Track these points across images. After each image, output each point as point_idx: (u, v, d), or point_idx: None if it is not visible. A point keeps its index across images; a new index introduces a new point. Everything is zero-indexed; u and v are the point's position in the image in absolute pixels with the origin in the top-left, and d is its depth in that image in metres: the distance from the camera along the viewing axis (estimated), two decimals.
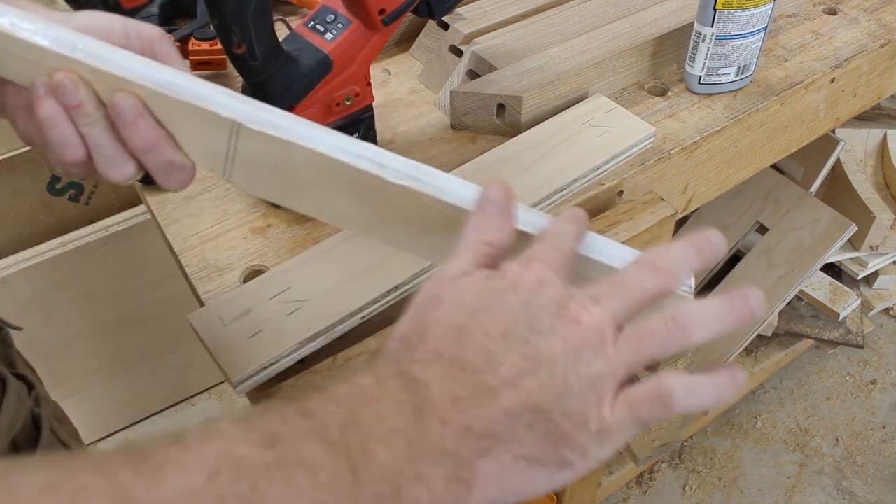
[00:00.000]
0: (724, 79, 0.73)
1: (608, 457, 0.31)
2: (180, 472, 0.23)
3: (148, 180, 0.67)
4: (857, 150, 1.44)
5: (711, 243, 0.36)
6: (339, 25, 0.60)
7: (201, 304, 0.57)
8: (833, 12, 0.86)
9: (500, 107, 0.69)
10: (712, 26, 0.69)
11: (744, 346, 1.25)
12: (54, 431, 0.61)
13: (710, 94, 0.75)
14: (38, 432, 0.57)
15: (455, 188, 0.39)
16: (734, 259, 1.30)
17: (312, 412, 0.26)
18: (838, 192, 1.40)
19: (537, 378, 0.30)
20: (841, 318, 1.35)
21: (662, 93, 0.76)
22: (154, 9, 0.79)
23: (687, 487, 1.38)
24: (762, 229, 1.29)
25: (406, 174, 0.38)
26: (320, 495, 0.24)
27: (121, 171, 0.40)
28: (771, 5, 0.69)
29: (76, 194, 1.33)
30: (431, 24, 0.81)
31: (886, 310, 1.63)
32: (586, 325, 0.31)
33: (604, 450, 0.31)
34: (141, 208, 1.28)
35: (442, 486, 0.27)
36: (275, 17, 0.57)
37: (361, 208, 0.39)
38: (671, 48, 0.77)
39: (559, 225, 0.36)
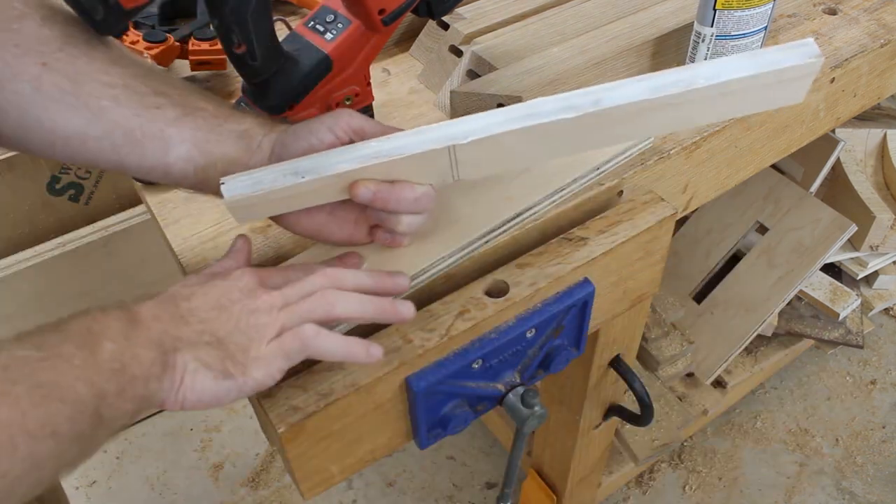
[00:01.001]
0: None
1: (263, 379, 0.46)
2: None
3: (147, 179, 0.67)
4: (857, 150, 1.44)
5: (392, 279, 0.52)
6: (339, 25, 0.60)
7: None
8: (833, 12, 0.86)
9: (500, 107, 0.68)
10: (712, 26, 0.69)
11: (744, 346, 1.25)
12: None
13: None
14: None
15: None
16: (734, 259, 1.30)
17: (62, 330, 0.40)
18: (838, 192, 1.40)
19: (219, 320, 0.46)
20: (841, 318, 1.35)
21: None
22: (154, 9, 0.79)
23: (687, 487, 1.38)
24: (762, 229, 1.29)
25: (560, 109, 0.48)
26: (74, 371, 0.38)
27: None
28: (771, 5, 0.69)
29: (76, 194, 1.33)
30: (431, 24, 0.81)
31: (886, 310, 1.63)
32: (262, 301, 0.47)
33: (259, 371, 0.45)
34: (141, 208, 1.28)
35: (149, 362, 0.42)
36: (275, 17, 0.57)
37: (542, 146, 0.51)
38: (671, 48, 0.77)
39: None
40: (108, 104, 0.47)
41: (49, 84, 0.45)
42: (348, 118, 0.51)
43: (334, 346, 0.47)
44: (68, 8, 0.47)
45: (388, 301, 0.49)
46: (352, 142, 0.51)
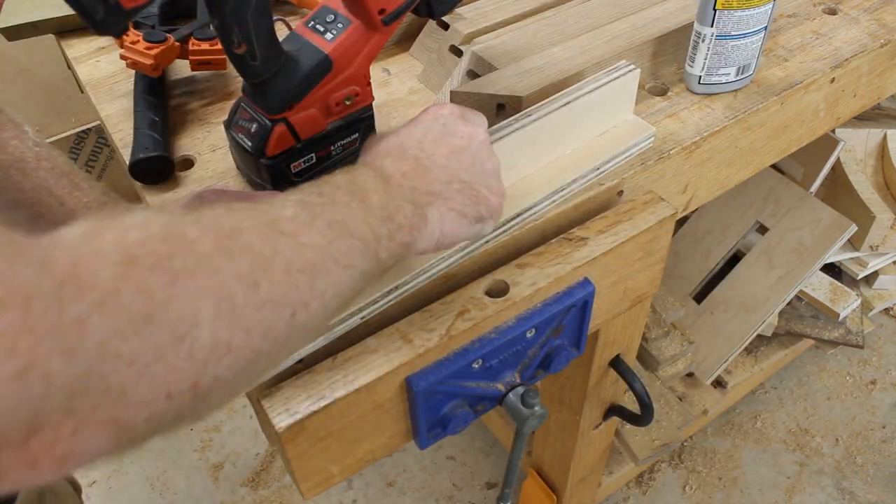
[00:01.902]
0: (723, 79, 0.73)
1: (499, 216, 0.51)
2: (280, 205, 0.38)
3: (146, 179, 0.67)
4: (857, 150, 1.44)
5: None
6: (339, 25, 0.60)
7: None
8: (833, 12, 0.86)
9: (500, 107, 0.69)
10: (712, 26, 0.69)
11: (744, 346, 1.25)
12: None
13: (710, 94, 0.75)
14: None
15: None
16: (734, 259, 1.30)
17: (328, 183, 0.42)
18: (838, 192, 1.40)
19: (460, 163, 0.49)
20: (841, 318, 1.35)
21: (662, 93, 0.76)
22: (154, 9, 0.79)
23: (687, 487, 1.38)
24: (762, 229, 1.29)
25: None
26: (354, 214, 0.40)
27: None
28: (771, 5, 0.69)
29: None
30: (431, 24, 0.81)
31: (886, 310, 1.63)
32: (483, 129, 0.51)
33: (500, 214, 0.51)
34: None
35: (410, 214, 0.44)
36: (275, 17, 0.57)
37: None
38: (671, 48, 0.77)
39: None
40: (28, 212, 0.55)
41: None
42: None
43: None
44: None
45: None
46: None
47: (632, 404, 0.88)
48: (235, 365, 0.32)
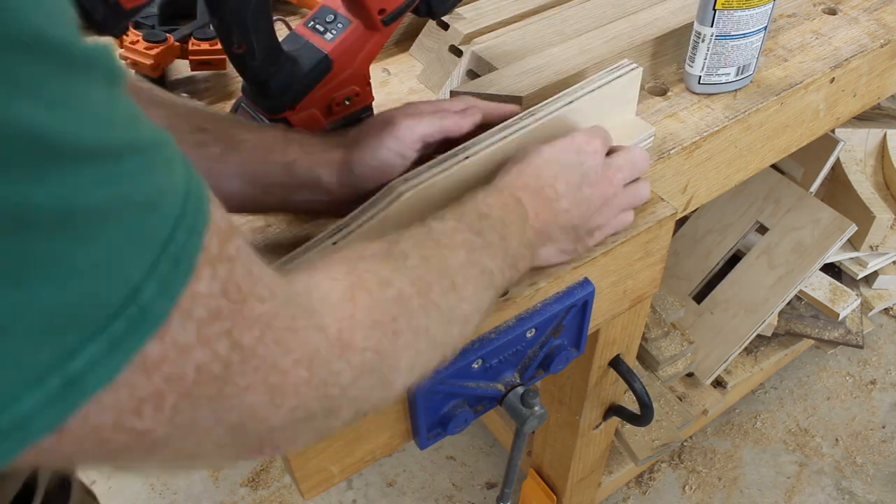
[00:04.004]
0: (723, 79, 0.73)
1: (591, 248, 0.58)
2: (453, 250, 0.44)
3: None
4: (857, 150, 1.44)
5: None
6: (339, 25, 0.60)
7: None
8: (833, 12, 0.86)
9: None
10: (712, 26, 0.69)
11: (744, 346, 1.25)
12: None
13: (710, 94, 0.75)
14: None
15: None
16: (734, 259, 1.30)
17: (487, 217, 0.47)
18: (838, 192, 1.40)
19: (579, 210, 0.53)
20: (841, 318, 1.35)
21: (662, 93, 0.76)
22: (154, 9, 0.79)
23: (687, 487, 1.38)
24: (762, 229, 1.29)
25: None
26: (497, 261, 0.46)
27: None
28: (771, 5, 0.69)
29: None
30: (431, 24, 0.81)
31: (886, 310, 1.63)
32: (616, 183, 0.55)
33: (593, 242, 0.58)
34: None
35: (528, 258, 0.51)
36: (275, 17, 0.57)
37: None
38: (671, 48, 0.77)
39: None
40: None
41: None
42: (409, 132, 0.54)
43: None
44: None
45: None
46: (420, 156, 0.56)
47: (632, 404, 0.88)
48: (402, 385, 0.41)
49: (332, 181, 0.53)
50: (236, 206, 0.53)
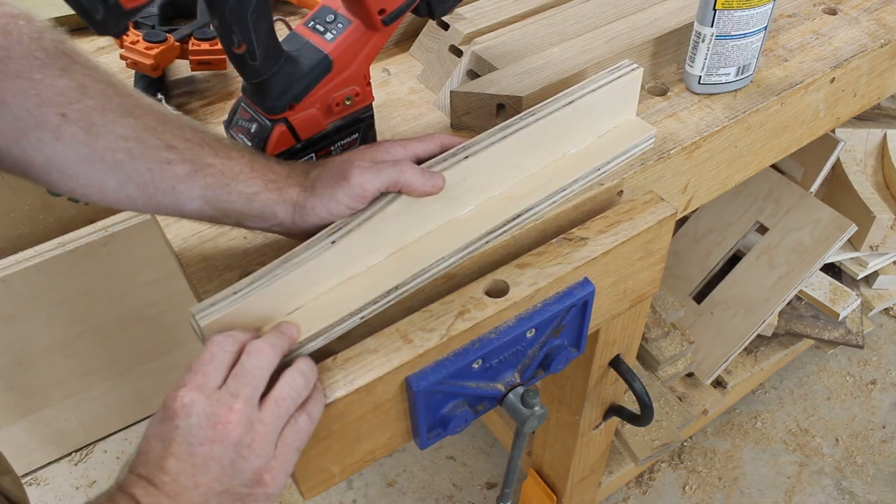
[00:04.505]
0: (723, 79, 0.73)
1: (285, 482, 0.48)
2: None
3: None
4: (857, 150, 1.44)
5: (285, 333, 0.51)
6: (339, 25, 0.60)
7: None
8: (833, 12, 0.86)
9: (500, 107, 0.69)
10: (712, 26, 0.69)
11: (744, 346, 1.25)
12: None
13: (710, 94, 0.75)
14: None
15: None
16: (734, 259, 1.30)
17: None
18: (838, 192, 1.40)
19: (211, 475, 0.44)
20: (841, 318, 1.35)
21: (662, 93, 0.76)
22: (154, 9, 0.79)
23: (687, 487, 1.38)
24: (762, 229, 1.29)
25: None
26: None
27: None
28: (771, 5, 0.69)
29: None
30: (431, 24, 0.81)
31: (886, 310, 1.63)
32: (235, 421, 0.44)
33: (279, 483, 0.47)
34: None
35: None
36: (275, 17, 0.57)
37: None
38: (671, 48, 0.77)
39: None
40: (123, 158, 0.49)
41: (68, 135, 0.47)
42: (361, 190, 0.53)
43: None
44: (86, 56, 0.49)
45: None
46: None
47: (632, 404, 0.88)
48: None
49: (286, 219, 0.54)
50: (194, 219, 0.54)
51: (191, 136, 0.52)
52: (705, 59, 0.72)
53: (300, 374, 0.48)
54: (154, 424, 0.46)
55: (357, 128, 0.65)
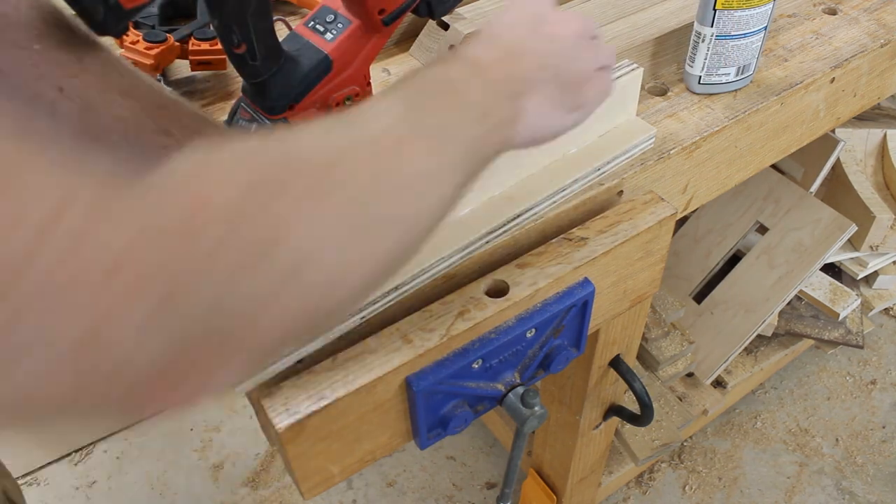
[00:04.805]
0: (724, 79, 0.73)
1: (595, 109, 0.50)
2: (377, 117, 0.37)
3: None
4: (857, 150, 1.44)
5: None
6: (339, 25, 0.60)
7: None
8: (833, 12, 0.86)
9: None
10: (712, 26, 0.69)
11: (744, 346, 1.25)
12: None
13: (710, 94, 0.75)
14: None
15: None
16: (734, 259, 1.30)
17: (428, 79, 0.42)
18: (838, 192, 1.40)
19: (553, 52, 0.45)
20: (841, 318, 1.35)
21: (662, 93, 0.76)
22: (154, 9, 0.79)
23: (687, 487, 1.38)
24: (762, 229, 1.29)
25: None
26: (454, 116, 0.40)
27: None
28: (771, 5, 0.69)
29: None
30: (431, 24, 0.81)
31: (886, 310, 1.63)
32: (578, 28, 0.47)
33: (593, 102, 0.49)
34: None
35: (507, 107, 0.43)
36: (275, 17, 0.57)
37: None
38: (671, 48, 0.77)
39: None
40: (118, 140, 0.48)
41: (64, 110, 0.46)
42: None
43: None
44: (85, 30, 0.48)
45: None
46: None
47: (632, 404, 0.88)
48: (354, 286, 0.33)
49: None
50: None
51: (188, 122, 0.51)
52: (705, 59, 0.72)
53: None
54: (494, 16, 0.47)
55: None
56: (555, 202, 0.63)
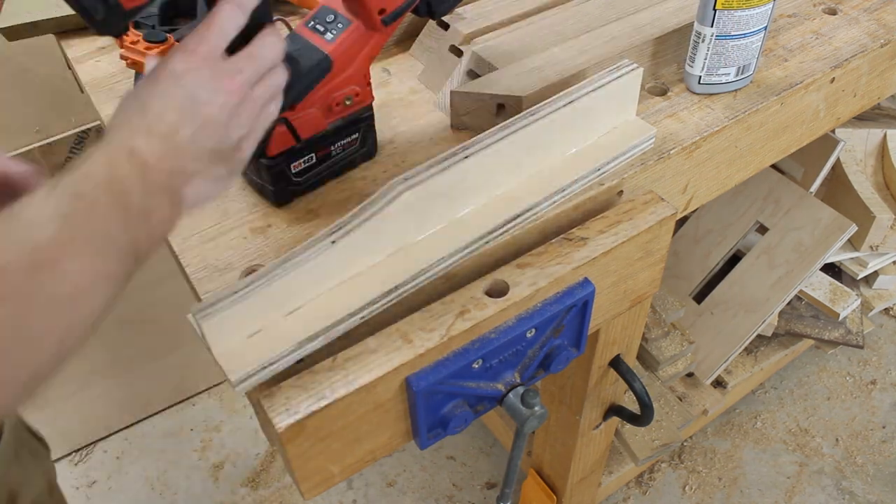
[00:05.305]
0: (723, 79, 0.73)
1: (249, 157, 0.51)
2: (40, 225, 0.38)
3: None
4: (857, 150, 1.44)
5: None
6: (339, 25, 0.60)
7: None
8: (833, 12, 0.86)
9: (500, 107, 0.69)
10: (712, 26, 0.69)
11: (744, 346, 1.25)
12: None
13: (710, 94, 0.75)
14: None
15: None
16: (734, 259, 1.30)
17: (90, 178, 0.41)
18: (838, 192, 1.40)
19: (207, 132, 0.46)
20: (841, 318, 1.35)
21: (662, 93, 0.76)
22: (154, 9, 0.79)
23: (687, 487, 1.38)
24: (762, 229, 1.29)
25: None
26: (115, 222, 0.41)
27: None
28: (771, 5, 0.69)
29: None
30: (431, 24, 0.81)
31: (886, 310, 1.63)
32: (234, 90, 0.48)
33: (248, 153, 0.50)
34: None
35: (167, 205, 0.45)
36: (275, 17, 0.57)
37: None
38: (671, 48, 0.77)
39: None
40: None
41: None
42: None
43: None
44: None
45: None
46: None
47: (632, 404, 0.88)
48: (5, 403, 0.36)
49: None
50: None
51: None
52: (705, 59, 0.72)
53: (267, 41, 0.51)
54: (146, 86, 0.47)
55: (357, 128, 0.65)
56: (555, 202, 0.63)
